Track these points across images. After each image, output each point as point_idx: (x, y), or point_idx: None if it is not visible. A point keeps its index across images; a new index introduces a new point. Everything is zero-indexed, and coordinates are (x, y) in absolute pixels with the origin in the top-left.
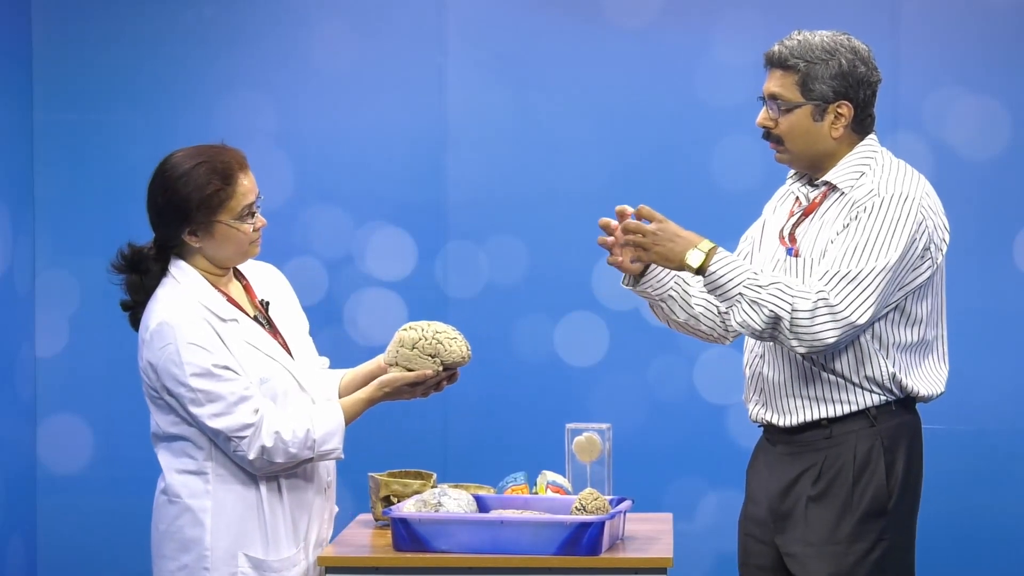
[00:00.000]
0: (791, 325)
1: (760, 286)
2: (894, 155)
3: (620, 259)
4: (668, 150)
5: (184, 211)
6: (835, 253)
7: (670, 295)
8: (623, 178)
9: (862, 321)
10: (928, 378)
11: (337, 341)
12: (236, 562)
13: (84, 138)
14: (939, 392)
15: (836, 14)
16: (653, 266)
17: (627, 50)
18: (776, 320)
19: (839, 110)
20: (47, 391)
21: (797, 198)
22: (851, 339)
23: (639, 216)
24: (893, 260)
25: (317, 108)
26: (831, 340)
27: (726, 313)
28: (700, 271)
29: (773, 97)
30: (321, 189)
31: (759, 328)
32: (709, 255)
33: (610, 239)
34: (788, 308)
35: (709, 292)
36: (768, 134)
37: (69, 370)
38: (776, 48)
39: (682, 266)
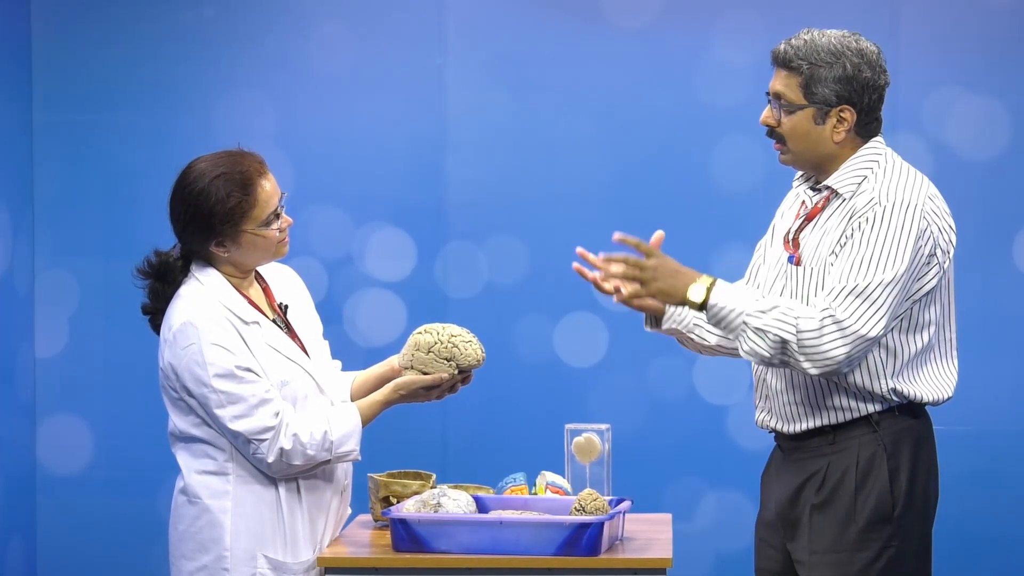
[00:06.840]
0: (799, 346)
1: (762, 311)
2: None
3: (610, 288)
4: (668, 150)
5: (208, 226)
6: (841, 267)
7: (695, 323)
8: (623, 178)
9: (873, 334)
10: (934, 383)
11: (337, 341)
12: (256, 563)
13: (84, 138)
14: (946, 397)
15: (836, 14)
16: None
17: (627, 50)
18: (783, 344)
19: (842, 114)
20: (47, 391)
21: (803, 201)
22: (864, 354)
23: (630, 248)
24: (901, 271)
25: (317, 108)
26: (841, 356)
27: (734, 346)
28: (702, 306)
29: (777, 96)
30: (321, 189)
31: (768, 355)
32: (710, 289)
33: (592, 273)
34: (793, 330)
35: (713, 326)
36: (772, 132)
37: (69, 370)
38: (782, 47)
39: (684, 301)
